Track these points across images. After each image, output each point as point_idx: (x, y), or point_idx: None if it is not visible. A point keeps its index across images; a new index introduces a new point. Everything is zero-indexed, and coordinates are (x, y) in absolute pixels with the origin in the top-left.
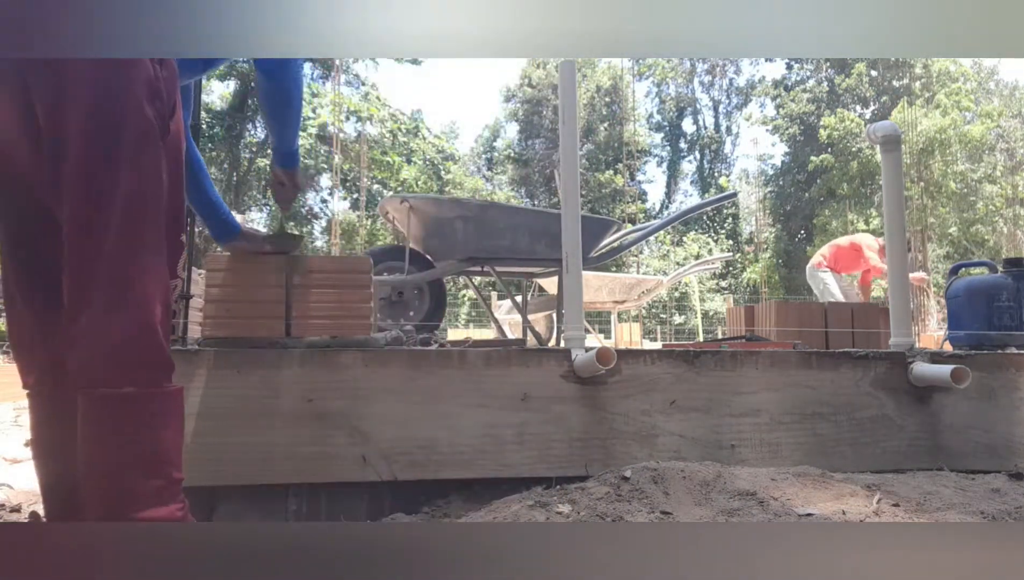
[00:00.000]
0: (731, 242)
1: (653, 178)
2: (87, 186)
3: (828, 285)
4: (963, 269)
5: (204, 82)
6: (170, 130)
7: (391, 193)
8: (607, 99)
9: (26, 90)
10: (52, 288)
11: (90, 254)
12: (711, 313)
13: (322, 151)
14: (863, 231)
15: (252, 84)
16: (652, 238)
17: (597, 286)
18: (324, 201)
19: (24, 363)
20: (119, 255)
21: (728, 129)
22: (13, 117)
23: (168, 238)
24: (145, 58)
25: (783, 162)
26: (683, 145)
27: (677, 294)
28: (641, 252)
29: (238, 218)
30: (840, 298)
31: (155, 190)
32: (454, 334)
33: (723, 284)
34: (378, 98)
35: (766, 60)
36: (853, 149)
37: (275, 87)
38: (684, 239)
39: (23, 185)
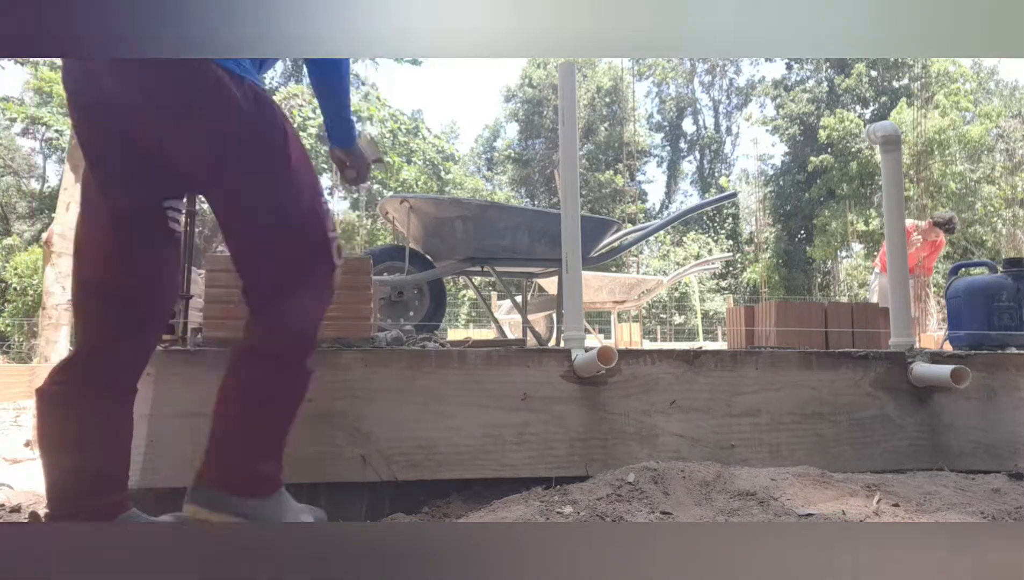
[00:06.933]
0: (731, 242)
1: (653, 178)
2: (271, 202)
3: (870, 289)
4: (963, 269)
5: None
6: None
7: (391, 193)
8: (607, 99)
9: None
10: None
11: (294, 254)
12: (711, 313)
13: (322, 151)
14: (864, 232)
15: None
16: (652, 238)
17: (597, 286)
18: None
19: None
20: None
21: (728, 129)
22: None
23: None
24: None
25: (783, 162)
26: (683, 145)
27: (677, 294)
28: (641, 252)
29: None
30: (874, 300)
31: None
32: (454, 334)
33: (723, 284)
34: (378, 98)
35: (766, 60)
36: (853, 149)
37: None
38: (684, 239)
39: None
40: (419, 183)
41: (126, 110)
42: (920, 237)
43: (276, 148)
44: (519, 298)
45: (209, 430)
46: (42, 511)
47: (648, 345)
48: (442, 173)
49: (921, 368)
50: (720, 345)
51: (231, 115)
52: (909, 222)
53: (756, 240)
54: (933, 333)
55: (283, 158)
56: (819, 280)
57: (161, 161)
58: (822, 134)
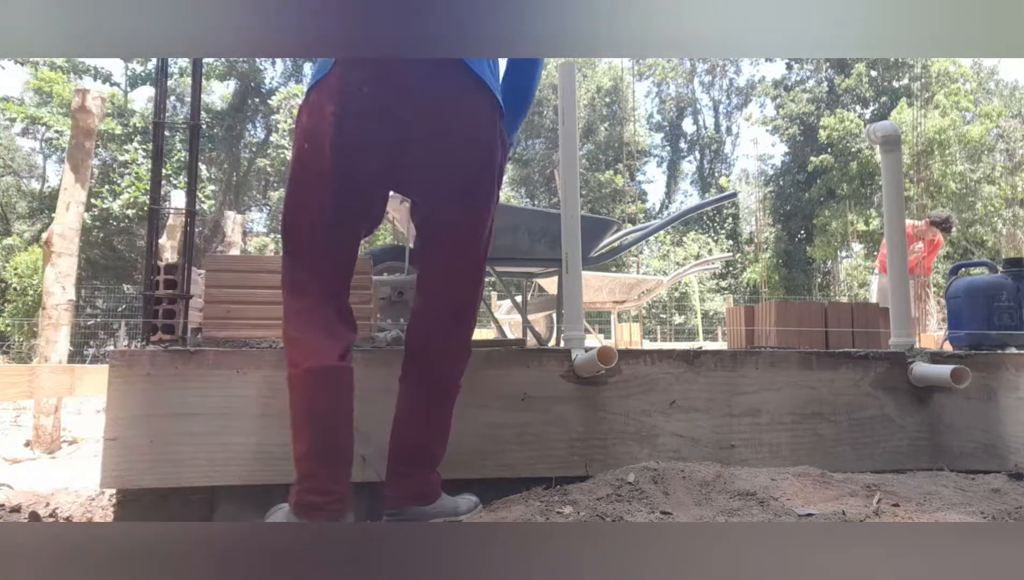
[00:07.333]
0: (731, 242)
1: (653, 178)
2: (469, 237)
3: (870, 290)
4: (963, 269)
5: (204, 83)
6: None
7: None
8: (607, 99)
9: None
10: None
11: (475, 286)
12: (711, 313)
13: None
14: (864, 232)
15: (252, 84)
16: (652, 238)
17: (597, 286)
18: None
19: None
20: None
21: (728, 129)
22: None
23: None
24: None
25: (783, 162)
26: (683, 145)
27: (677, 294)
28: (641, 252)
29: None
30: (874, 300)
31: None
32: None
33: (723, 284)
34: None
35: (766, 60)
36: (853, 149)
37: (520, 81)
38: (684, 239)
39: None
40: None
41: (413, 123)
42: (921, 246)
43: (497, 187)
44: (519, 298)
45: (400, 445)
46: (42, 511)
47: (648, 345)
48: None
49: (921, 368)
50: (720, 345)
51: (495, 152)
52: (908, 223)
53: (756, 240)
54: (933, 333)
55: (496, 198)
56: (819, 280)
57: (402, 183)
58: (822, 134)
